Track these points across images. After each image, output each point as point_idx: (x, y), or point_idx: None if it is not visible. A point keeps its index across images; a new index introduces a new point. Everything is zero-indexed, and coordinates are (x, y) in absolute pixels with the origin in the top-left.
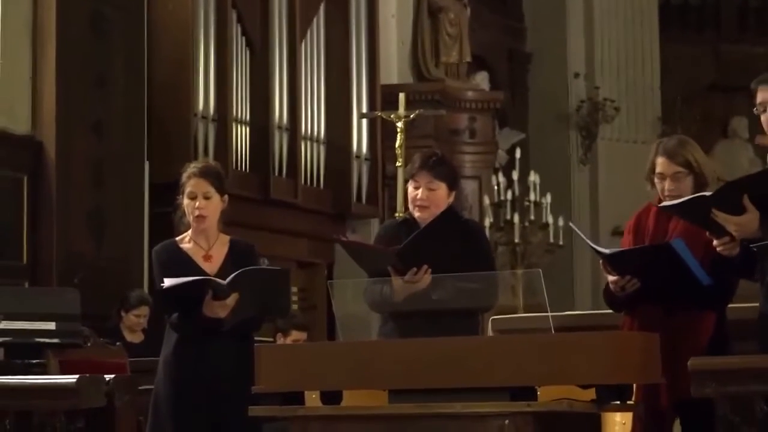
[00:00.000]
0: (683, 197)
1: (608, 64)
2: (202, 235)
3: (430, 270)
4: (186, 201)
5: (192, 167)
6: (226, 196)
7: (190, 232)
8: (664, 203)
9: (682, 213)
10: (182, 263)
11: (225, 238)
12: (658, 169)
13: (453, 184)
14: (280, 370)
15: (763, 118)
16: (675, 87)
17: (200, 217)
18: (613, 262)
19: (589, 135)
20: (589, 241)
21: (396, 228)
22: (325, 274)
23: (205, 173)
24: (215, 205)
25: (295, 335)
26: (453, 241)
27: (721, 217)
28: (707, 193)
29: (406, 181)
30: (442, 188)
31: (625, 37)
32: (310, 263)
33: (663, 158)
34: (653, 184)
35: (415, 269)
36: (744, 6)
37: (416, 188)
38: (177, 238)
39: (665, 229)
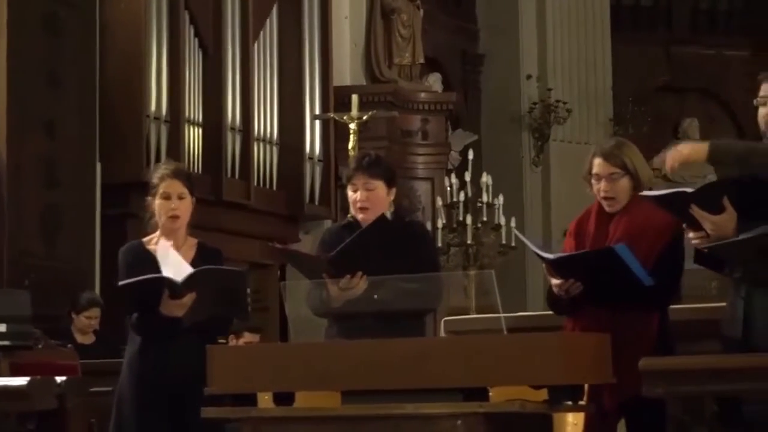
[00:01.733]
0: (618, 199)
1: (560, 66)
2: (171, 237)
3: (365, 276)
4: (159, 202)
5: (164, 168)
6: (194, 198)
7: (157, 233)
8: (644, 193)
9: (662, 204)
10: (148, 264)
11: (192, 241)
12: (594, 170)
13: (390, 181)
14: (232, 372)
15: (761, 111)
16: (627, 88)
17: (174, 217)
18: (557, 266)
19: (541, 136)
20: (533, 246)
21: (339, 232)
22: (277, 275)
23: (178, 174)
24: (188, 205)
25: (248, 337)
26: (392, 245)
27: (698, 214)
28: (689, 189)
29: (345, 185)
30: (380, 187)
31: (577, 39)
32: (263, 265)
33: (599, 159)
34: (591, 186)
35: (349, 276)
36: (695, 7)
37: (355, 191)
38: (144, 239)
39: (606, 233)
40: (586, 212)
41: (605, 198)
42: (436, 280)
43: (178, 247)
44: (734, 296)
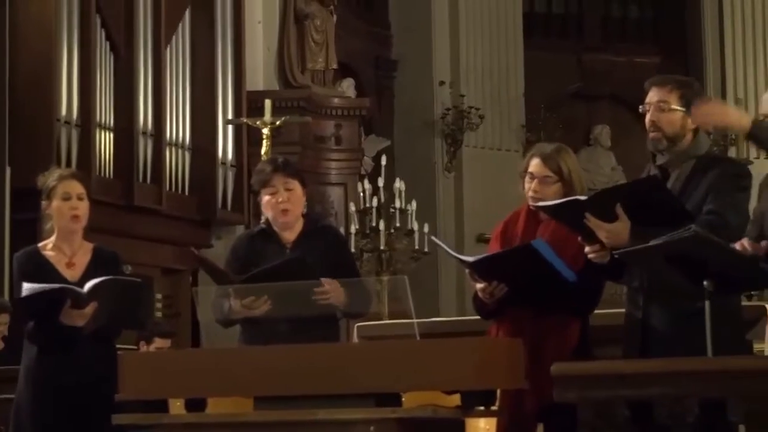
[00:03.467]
0: (545, 201)
1: (473, 72)
2: (66, 242)
3: (269, 301)
4: (57, 203)
5: (60, 172)
6: (88, 197)
7: (53, 238)
8: (540, 203)
9: (556, 214)
10: (43, 270)
11: (88, 246)
12: (530, 169)
13: (303, 182)
14: (143, 378)
15: (647, 117)
16: (539, 95)
17: (76, 217)
18: (479, 269)
19: (454, 142)
20: (452, 252)
21: (251, 240)
22: (189, 280)
23: (76, 176)
24: (87, 206)
25: (159, 343)
26: (314, 258)
27: (593, 222)
28: (582, 198)
29: (257, 193)
30: (297, 187)
31: (490, 46)
32: (175, 270)
33: (537, 160)
34: (524, 185)
35: (253, 297)
36: (606, 15)
37: (274, 193)
38: (39, 245)
39: (533, 235)
40: (514, 214)
41: (533, 198)
42: (362, 285)
43: (74, 252)
44: (632, 306)
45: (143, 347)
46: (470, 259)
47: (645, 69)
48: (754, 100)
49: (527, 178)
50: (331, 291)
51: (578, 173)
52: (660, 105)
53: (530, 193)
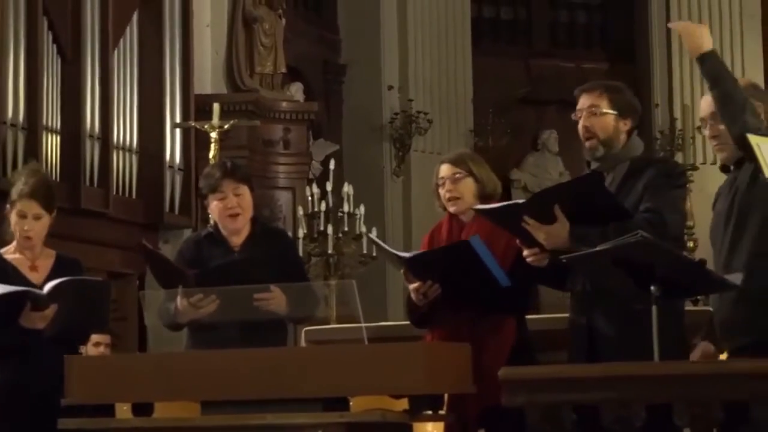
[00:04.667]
0: (464, 199)
1: (422, 77)
2: (28, 249)
3: (217, 301)
4: (14, 218)
5: (23, 184)
6: (54, 211)
7: (15, 243)
8: (478, 206)
9: (495, 218)
10: (7, 273)
11: (50, 252)
12: (440, 174)
13: (252, 186)
14: (90, 382)
15: (580, 123)
16: (487, 100)
17: (27, 239)
18: (414, 266)
19: (402, 147)
20: (388, 248)
21: (198, 244)
22: (136, 284)
23: (35, 194)
24: (43, 224)
25: (97, 338)
26: (260, 259)
27: (531, 225)
28: (521, 201)
29: (205, 197)
30: (246, 192)
31: (438, 50)
32: (122, 274)
33: (445, 164)
34: (439, 197)
35: (201, 296)
36: (554, 21)
37: (223, 198)
38: (2, 249)
39: (458, 239)
40: (438, 224)
41: (450, 199)
42: (311, 289)
43: (34, 259)
44: (576, 311)
45: (81, 348)
46: (406, 255)
47: (593, 74)
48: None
49: (440, 188)
50: (271, 297)
51: (487, 172)
52: (591, 110)
53: (447, 195)
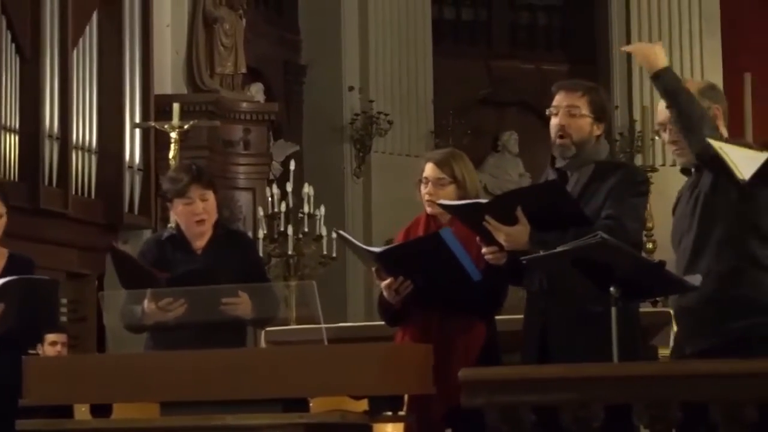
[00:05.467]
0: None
1: (382, 78)
2: None
3: (186, 305)
4: None
5: None
6: (7, 210)
7: None
8: (443, 201)
9: (458, 214)
10: None
11: (3, 251)
12: (424, 173)
13: (216, 189)
14: (48, 383)
15: (552, 121)
16: (447, 101)
17: None
18: (385, 261)
19: (362, 148)
20: (359, 244)
21: (160, 245)
22: (95, 285)
23: None
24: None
25: (54, 337)
26: (224, 260)
27: (493, 225)
28: (483, 200)
29: (168, 200)
30: (212, 197)
31: (399, 51)
32: (81, 274)
33: (431, 164)
34: (420, 191)
35: (171, 299)
36: (514, 23)
37: (189, 204)
38: None
39: None
40: (415, 221)
41: (429, 202)
42: (272, 290)
43: None
44: (532, 310)
45: (39, 348)
46: (376, 250)
47: (553, 76)
48: None
49: (422, 185)
50: (239, 302)
51: (472, 176)
52: (570, 110)
53: (426, 197)
